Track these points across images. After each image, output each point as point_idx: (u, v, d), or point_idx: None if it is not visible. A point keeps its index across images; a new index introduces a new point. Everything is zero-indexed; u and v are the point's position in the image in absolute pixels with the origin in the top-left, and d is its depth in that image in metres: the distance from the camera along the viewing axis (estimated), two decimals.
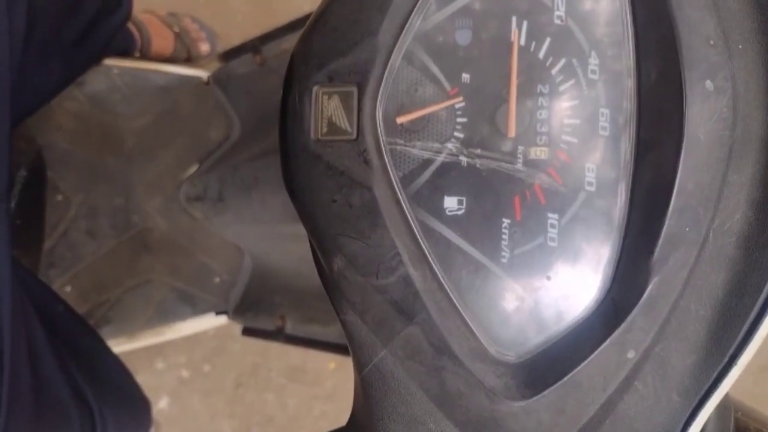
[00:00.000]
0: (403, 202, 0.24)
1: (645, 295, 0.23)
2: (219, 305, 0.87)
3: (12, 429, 0.45)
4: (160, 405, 1.06)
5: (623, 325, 0.23)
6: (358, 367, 0.26)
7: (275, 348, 1.11)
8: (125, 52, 0.81)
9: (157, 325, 0.83)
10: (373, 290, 0.24)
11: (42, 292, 0.53)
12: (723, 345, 0.23)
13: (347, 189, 0.24)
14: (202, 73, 0.84)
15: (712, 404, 0.23)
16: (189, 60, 0.99)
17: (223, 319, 0.87)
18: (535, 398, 0.23)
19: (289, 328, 0.80)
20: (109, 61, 0.76)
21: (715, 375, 0.23)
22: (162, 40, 0.90)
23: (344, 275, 0.25)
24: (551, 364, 0.23)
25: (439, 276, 0.24)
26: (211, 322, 0.87)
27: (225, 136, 0.84)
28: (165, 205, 0.82)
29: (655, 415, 0.24)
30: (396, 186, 0.24)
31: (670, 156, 0.22)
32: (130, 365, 1.07)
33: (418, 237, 0.24)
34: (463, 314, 0.24)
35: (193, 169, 0.83)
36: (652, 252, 0.22)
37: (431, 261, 0.24)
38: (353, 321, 0.26)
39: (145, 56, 0.89)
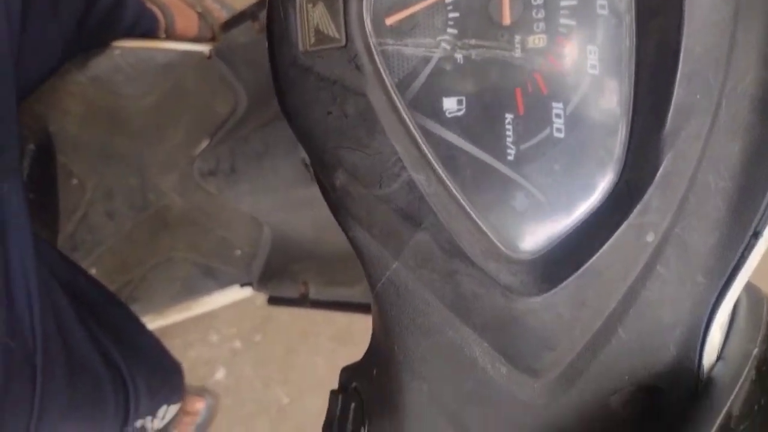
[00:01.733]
0: (400, 107, 0.24)
1: (659, 172, 0.21)
2: (242, 277, 0.88)
3: (48, 395, 0.46)
4: (217, 376, 1.09)
5: (639, 207, 0.22)
6: (372, 283, 0.26)
7: (322, 315, 1.13)
8: (149, 34, 0.81)
9: (183, 300, 0.84)
10: (377, 201, 0.24)
11: (62, 263, 0.54)
12: (745, 218, 0.22)
13: (341, 98, 0.23)
14: (203, 48, 0.84)
15: (740, 283, 0.22)
16: (214, 39, 0.99)
17: (248, 291, 0.88)
18: (552, 292, 0.22)
19: (313, 293, 0.80)
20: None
21: (740, 251, 0.22)
22: (185, 20, 0.90)
23: (347, 191, 0.24)
24: (567, 255, 0.23)
25: (444, 178, 0.23)
26: (236, 294, 0.88)
27: (232, 108, 0.84)
28: (179, 182, 0.82)
29: (680, 300, 0.23)
30: (391, 90, 0.24)
31: (674, 20, 0.20)
32: (184, 339, 1.10)
33: (419, 141, 0.23)
34: (472, 215, 0.23)
35: (204, 144, 0.84)
36: (663, 125, 0.21)
37: (434, 164, 0.23)
38: (361, 237, 0.25)
39: (171, 37, 0.89)
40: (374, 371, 0.28)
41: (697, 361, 0.23)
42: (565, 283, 0.22)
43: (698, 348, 0.23)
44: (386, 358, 0.26)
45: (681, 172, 0.22)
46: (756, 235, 0.22)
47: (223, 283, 0.86)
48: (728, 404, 0.21)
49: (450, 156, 0.24)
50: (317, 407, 1.15)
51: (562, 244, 0.23)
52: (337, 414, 0.30)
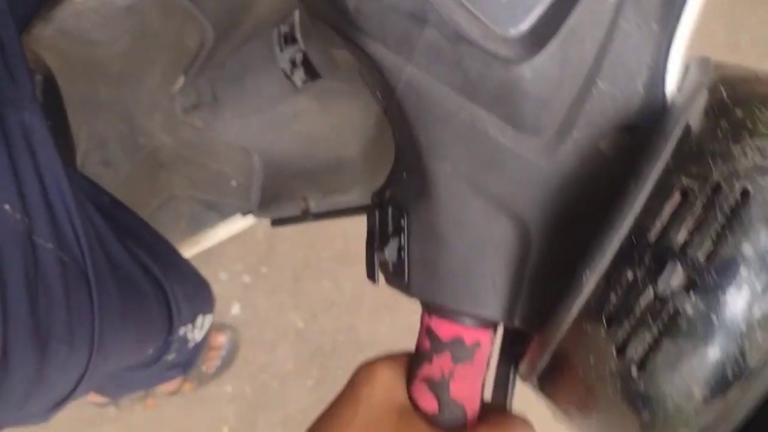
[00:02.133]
0: None
1: None
2: (243, 206, 0.92)
3: (103, 305, 0.51)
4: (233, 311, 1.15)
5: None
6: (391, 91, 0.30)
7: (320, 237, 1.19)
8: None
9: (192, 235, 0.88)
10: (387, 11, 0.28)
11: (88, 185, 0.57)
12: None
13: None
14: None
15: (687, 24, 0.28)
16: None
17: (250, 219, 0.93)
18: (540, 54, 0.27)
19: (313, 206, 0.85)
20: None
21: None
22: None
23: (359, 9, 0.29)
24: (548, 24, 0.28)
25: None
26: (240, 223, 0.92)
27: (201, 41, 0.85)
28: (166, 122, 0.85)
29: (642, 47, 0.28)
30: None
31: None
32: None
33: None
34: (467, 5, 0.28)
35: (181, 80, 0.85)
36: None
37: None
38: (377, 50, 0.30)
39: None
40: (404, 175, 0.33)
41: (662, 96, 0.29)
42: (549, 45, 0.27)
43: (661, 85, 0.29)
44: (413, 156, 0.32)
45: None
46: None
47: (226, 214, 0.90)
48: (686, 115, 0.26)
49: None
50: (331, 326, 1.22)
51: (543, 16, 0.28)
52: (377, 224, 0.35)
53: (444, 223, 0.31)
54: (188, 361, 0.71)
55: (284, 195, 0.89)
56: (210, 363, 1.08)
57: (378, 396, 0.29)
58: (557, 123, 0.29)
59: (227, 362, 1.10)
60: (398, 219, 0.33)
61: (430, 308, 0.33)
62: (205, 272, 1.15)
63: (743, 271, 0.23)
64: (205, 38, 0.84)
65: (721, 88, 0.27)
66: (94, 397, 0.93)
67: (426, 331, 0.32)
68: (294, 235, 1.18)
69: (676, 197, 0.25)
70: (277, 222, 0.92)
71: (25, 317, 0.44)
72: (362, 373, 0.31)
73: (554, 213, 0.30)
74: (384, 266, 0.35)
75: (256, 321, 1.16)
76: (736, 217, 0.23)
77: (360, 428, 0.28)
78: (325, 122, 0.77)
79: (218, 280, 1.15)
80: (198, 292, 0.68)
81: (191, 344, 0.67)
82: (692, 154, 0.25)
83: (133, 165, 0.83)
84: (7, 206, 0.44)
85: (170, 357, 0.65)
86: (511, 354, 0.35)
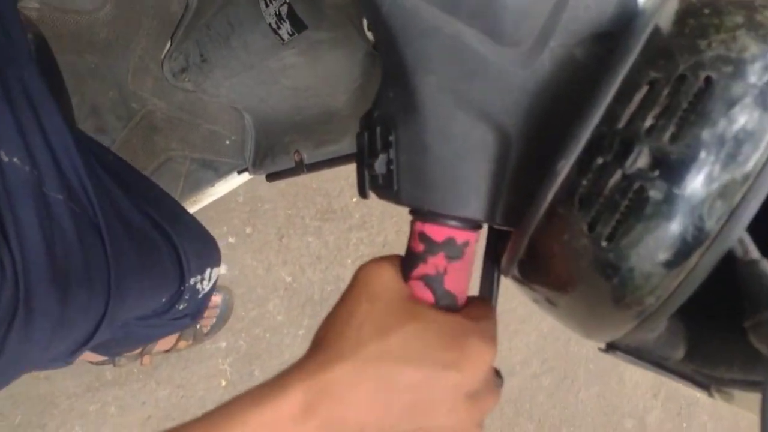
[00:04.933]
0: None
1: None
2: (238, 164, 0.94)
3: (116, 255, 0.53)
4: (221, 271, 1.18)
5: None
6: (378, 12, 0.33)
7: (301, 197, 1.21)
8: None
9: (191, 195, 0.91)
10: None
11: (92, 143, 0.59)
12: None
13: None
14: None
15: None
16: None
17: (246, 176, 0.95)
18: None
19: (306, 158, 0.87)
20: None
21: None
22: None
23: None
24: None
25: None
26: (236, 180, 0.94)
27: (185, 4, 0.86)
28: (156, 86, 0.86)
29: None
30: None
31: None
32: None
33: None
34: None
35: (168, 45, 0.86)
36: None
37: None
38: None
39: None
40: (390, 94, 0.36)
41: (634, 4, 0.31)
42: None
43: None
44: (399, 73, 0.34)
45: None
46: None
47: (222, 172, 0.93)
48: (656, 17, 0.29)
49: None
50: (318, 278, 1.25)
51: None
52: (366, 143, 0.38)
53: (430, 134, 0.34)
54: (197, 311, 0.74)
55: (277, 149, 0.91)
56: (205, 321, 1.11)
57: (388, 290, 0.32)
58: (535, 34, 0.31)
59: (222, 321, 1.12)
60: (386, 135, 0.36)
61: (421, 215, 0.36)
62: None
63: (703, 152, 0.26)
64: (189, 1, 0.85)
65: None
66: (91, 356, 0.95)
67: (419, 236, 0.35)
68: (276, 197, 1.20)
69: (644, 89, 0.28)
70: (272, 176, 0.94)
71: (44, 261, 0.47)
72: (367, 271, 0.33)
73: (531, 117, 0.33)
74: (374, 180, 0.37)
75: (245, 279, 1.18)
76: (699, 103, 0.26)
77: (378, 320, 0.30)
78: (313, 75, 0.78)
79: None
80: (206, 245, 0.70)
81: (200, 294, 0.70)
82: (660, 49, 0.28)
83: (127, 130, 0.85)
84: (15, 159, 0.46)
85: (182, 306, 0.68)
86: (495, 252, 0.38)
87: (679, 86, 0.27)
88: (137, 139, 0.85)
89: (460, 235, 0.35)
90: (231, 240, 1.17)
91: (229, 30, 0.77)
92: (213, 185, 0.92)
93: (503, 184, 0.34)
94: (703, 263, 0.26)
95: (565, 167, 0.28)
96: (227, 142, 0.92)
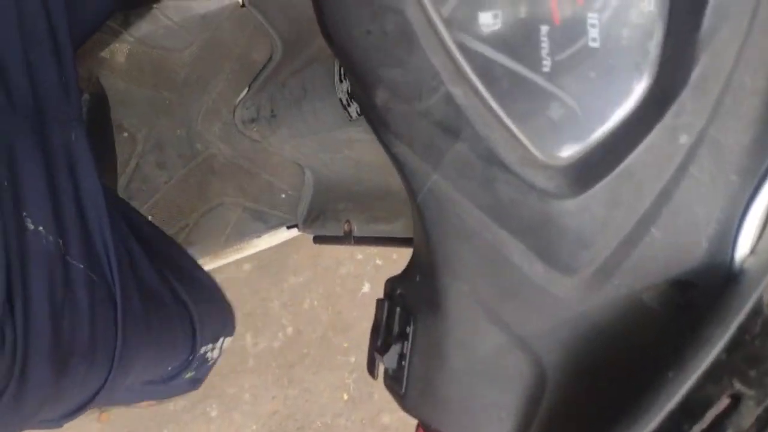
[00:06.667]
0: (437, 23, 0.24)
1: (694, 73, 0.22)
2: (289, 219, 0.91)
3: (128, 324, 0.51)
4: (364, 290, 1.20)
5: (673, 108, 0.22)
6: (413, 195, 0.27)
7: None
8: None
9: (236, 243, 0.89)
10: (417, 116, 0.25)
11: (126, 208, 0.58)
12: None
13: (380, 17, 0.24)
14: None
15: None
16: None
17: (294, 232, 0.92)
18: (587, 193, 0.23)
19: (356, 230, 0.83)
20: None
21: None
22: None
23: (388, 107, 0.26)
24: (601, 159, 0.24)
25: (481, 91, 0.24)
26: (284, 235, 0.92)
27: (268, 56, 0.85)
28: (224, 131, 0.85)
29: (713, 199, 0.24)
30: (428, 6, 0.24)
31: None
32: (335, 258, 1.19)
33: (456, 55, 0.24)
34: (509, 124, 0.24)
35: (244, 93, 0.86)
36: (698, 26, 0.21)
37: (471, 78, 0.24)
38: (402, 151, 0.27)
39: None
40: (417, 277, 0.30)
41: (729, 256, 0.24)
42: (599, 184, 0.23)
43: (731, 243, 0.24)
44: (428, 263, 0.28)
45: (716, 74, 0.22)
46: None
47: (272, 225, 0.90)
48: (760, 291, 0.22)
49: (486, 69, 0.24)
50: None
51: (597, 149, 0.24)
52: (384, 319, 0.33)
53: (451, 345, 0.28)
54: (202, 377, 0.71)
55: (330, 214, 0.87)
56: None
57: None
58: (596, 265, 0.25)
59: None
60: (404, 323, 0.30)
61: (425, 429, 0.30)
62: (346, 251, 1.19)
63: None
64: (273, 53, 0.84)
65: None
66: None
67: None
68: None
69: (724, 402, 0.20)
70: (319, 239, 0.90)
71: (47, 335, 0.45)
72: None
73: (577, 359, 0.26)
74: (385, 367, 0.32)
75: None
76: None
77: None
78: (377, 152, 0.74)
79: (355, 259, 1.20)
80: (221, 314, 0.68)
81: (209, 363, 0.67)
82: (755, 350, 0.21)
83: (186, 170, 0.84)
84: (41, 228, 0.44)
85: (189, 374, 0.65)
86: None
87: None
88: (194, 180, 0.85)
89: None
90: (378, 261, 1.19)
91: (302, 94, 0.75)
92: (259, 236, 0.90)
93: (531, 426, 0.27)
94: None
95: None
96: (283, 196, 0.90)
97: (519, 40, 0.24)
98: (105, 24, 0.73)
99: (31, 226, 0.44)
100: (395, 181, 0.81)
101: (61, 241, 0.46)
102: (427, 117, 0.25)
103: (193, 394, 1.03)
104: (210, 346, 0.65)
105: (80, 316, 0.48)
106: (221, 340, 0.67)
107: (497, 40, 0.24)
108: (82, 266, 0.48)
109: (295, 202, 0.92)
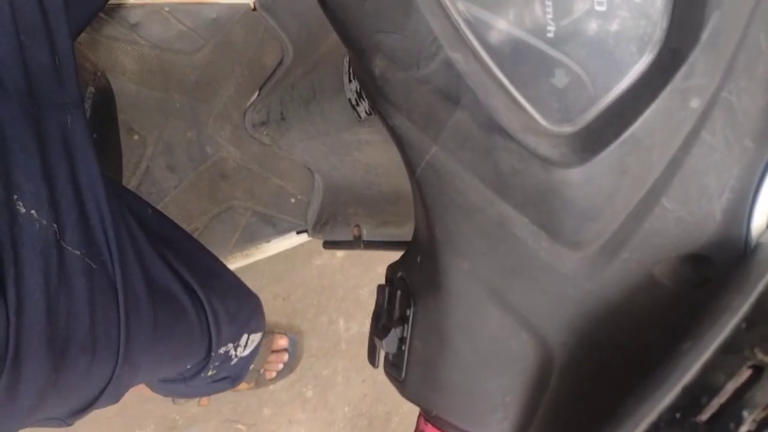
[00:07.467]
0: None
1: (704, 33, 0.21)
2: (298, 224, 0.90)
3: (132, 318, 0.50)
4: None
5: (682, 70, 0.21)
6: (412, 170, 0.27)
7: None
8: None
9: (245, 247, 0.88)
10: (416, 83, 0.24)
11: (130, 196, 0.57)
12: None
13: None
14: (248, 0, 0.85)
15: None
16: None
17: (304, 237, 0.91)
18: (592, 161, 0.22)
19: (366, 235, 0.82)
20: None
21: None
22: None
23: (386, 77, 0.25)
24: (607, 125, 0.23)
25: (482, 56, 0.24)
26: (293, 240, 0.91)
27: (279, 59, 0.85)
28: (234, 134, 0.85)
29: (727, 166, 0.22)
30: None
31: None
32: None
33: (455, 19, 0.24)
34: (511, 90, 0.23)
35: (254, 96, 0.86)
36: None
37: (472, 42, 0.24)
38: (401, 123, 0.26)
39: None
40: (418, 258, 0.29)
41: (745, 228, 0.23)
42: (605, 152, 0.22)
43: (747, 215, 0.22)
44: (428, 242, 0.27)
45: (729, 33, 0.21)
46: None
47: (281, 230, 0.90)
48: None
49: (488, 35, 0.24)
50: None
51: (603, 115, 0.23)
52: (385, 303, 0.31)
53: (453, 327, 0.27)
54: (237, 375, 0.70)
55: (340, 219, 0.87)
56: (270, 367, 1.07)
57: None
58: (604, 239, 0.24)
59: (288, 370, 1.09)
60: (405, 307, 0.29)
61: (427, 415, 0.29)
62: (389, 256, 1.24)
63: None
64: (284, 57, 0.84)
65: None
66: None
67: None
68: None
69: (745, 373, 0.19)
70: (328, 244, 0.90)
71: (42, 324, 0.44)
72: None
73: (586, 339, 0.25)
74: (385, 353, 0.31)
75: None
76: None
77: None
78: (386, 154, 0.74)
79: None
80: (243, 307, 0.65)
81: (235, 360, 0.66)
82: None
83: (196, 173, 0.84)
84: (33, 212, 0.44)
85: (210, 373, 0.64)
86: None
87: None
88: (203, 183, 0.84)
89: None
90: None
91: (311, 95, 0.75)
92: (269, 241, 0.89)
93: (538, 410, 0.26)
94: None
95: None
96: (292, 200, 0.89)
97: (522, 4, 0.23)
98: (116, 27, 0.74)
99: (23, 210, 0.43)
100: (405, 184, 0.80)
101: (56, 226, 0.45)
102: (426, 84, 0.24)
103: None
104: (231, 345, 0.64)
105: (78, 304, 0.46)
106: (245, 337, 0.65)
107: (498, 4, 0.24)
108: (78, 252, 0.47)
109: (305, 207, 0.91)
